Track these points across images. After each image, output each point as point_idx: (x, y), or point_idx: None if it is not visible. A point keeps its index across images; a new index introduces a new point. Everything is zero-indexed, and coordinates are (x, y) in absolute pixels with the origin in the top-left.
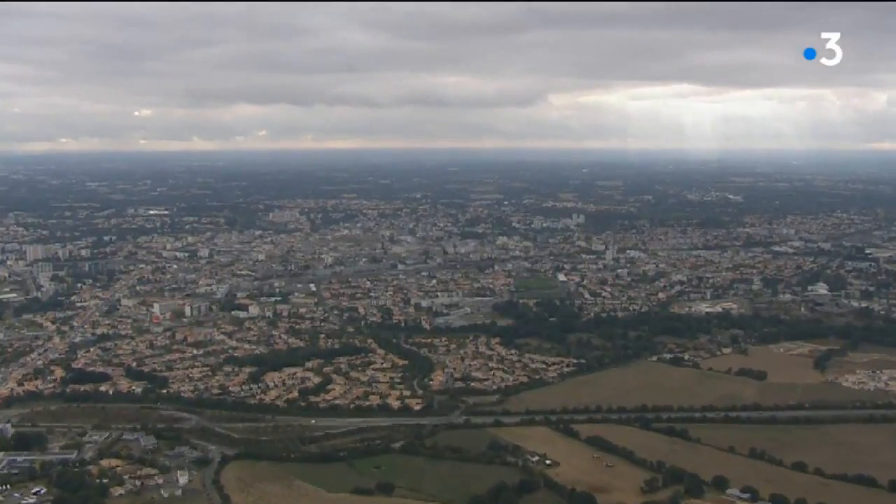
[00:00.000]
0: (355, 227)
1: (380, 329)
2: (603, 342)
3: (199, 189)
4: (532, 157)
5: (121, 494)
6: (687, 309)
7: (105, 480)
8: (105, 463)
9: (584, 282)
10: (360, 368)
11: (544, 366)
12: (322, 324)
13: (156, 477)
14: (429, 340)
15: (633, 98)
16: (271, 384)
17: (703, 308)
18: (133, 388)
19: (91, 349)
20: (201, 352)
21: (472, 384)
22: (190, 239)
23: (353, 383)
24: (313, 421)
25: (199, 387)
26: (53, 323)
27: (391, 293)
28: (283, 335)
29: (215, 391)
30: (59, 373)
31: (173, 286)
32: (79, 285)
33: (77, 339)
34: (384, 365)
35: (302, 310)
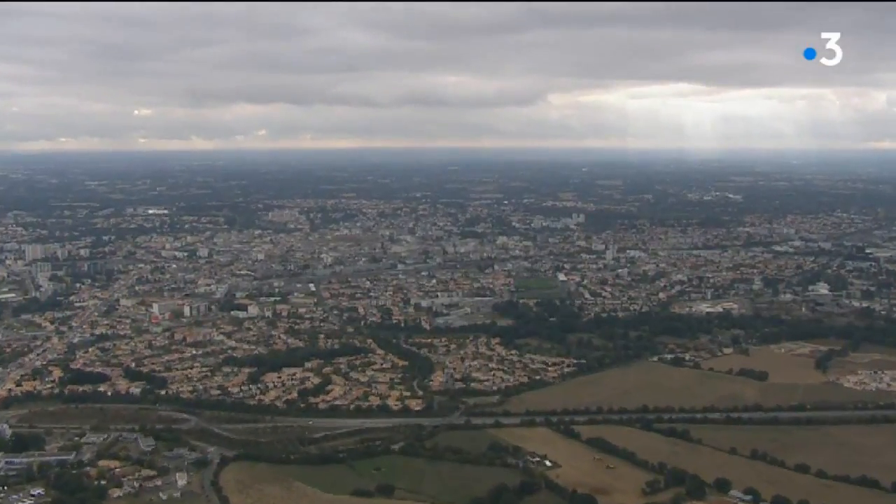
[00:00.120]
0: (355, 226)
1: (379, 329)
2: (603, 342)
3: (198, 188)
4: (532, 157)
5: (119, 496)
6: (687, 309)
7: (103, 482)
8: (103, 464)
9: (585, 282)
10: (359, 369)
11: (544, 366)
12: (321, 324)
13: (154, 478)
14: (429, 341)
15: (633, 97)
16: (270, 385)
17: (704, 308)
18: (132, 388)
19: (90, 349)
20: (200, 352)
21: (473, 385)
22: (189, 238)
23: (353, 384)
24: (311, 422)
25: (198, 387)
26: (52, 323)
27: (391, 293)
28: (282, 335)
29: (214, 392)
30: (57, 373)
31: (172, 286)
32: (78, 285)
33: (76, 340)
34: (384, 365)
35: (301, 310)
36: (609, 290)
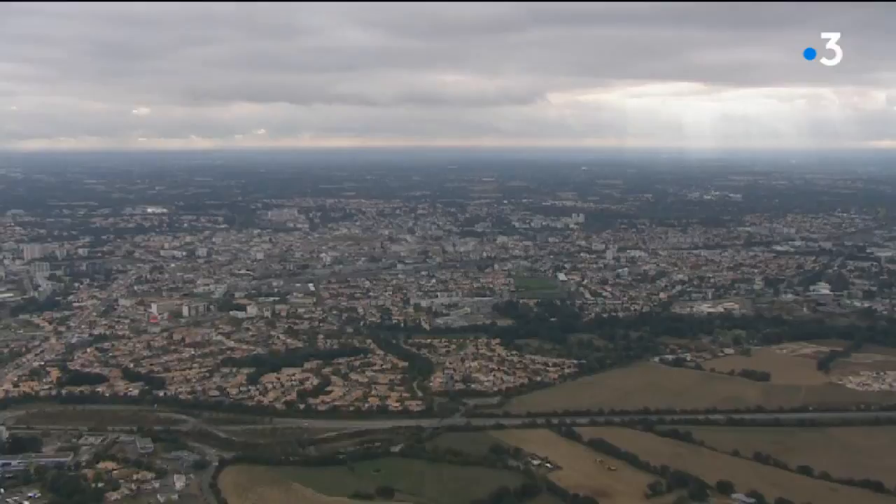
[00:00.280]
0: (354, 225)
1: (379, 329)
2: (604, 343)
3: (197, 188)
4: (531, 156)
5: (116, 499)
6: (688, 309)
7: (100, 484)
8: (101, 466)
9: (585, 281)
10: (359, 370)
11: (545, 367)
12: (321, 324)
13: (152, 481)
14: (428, 341)
15: (633, 96)
16: (269, 386)
17: (705, 308)
18: (130, 389)
19: (88, 350)
20: (199, 352)
21: (473, 386)
22: (188, 238)
23: (353, 385)
24: (310, 424)
25: (196, 388)
26: (50, 323)
27: (390, 293)
28: (281, 335)
29: (213, 393)
30: (55, 374)
31: (171, 286)
32: (76, 285)
33: (74, 340)
34: (384, 366)
35: (300, 310)
36: (609, 289)
